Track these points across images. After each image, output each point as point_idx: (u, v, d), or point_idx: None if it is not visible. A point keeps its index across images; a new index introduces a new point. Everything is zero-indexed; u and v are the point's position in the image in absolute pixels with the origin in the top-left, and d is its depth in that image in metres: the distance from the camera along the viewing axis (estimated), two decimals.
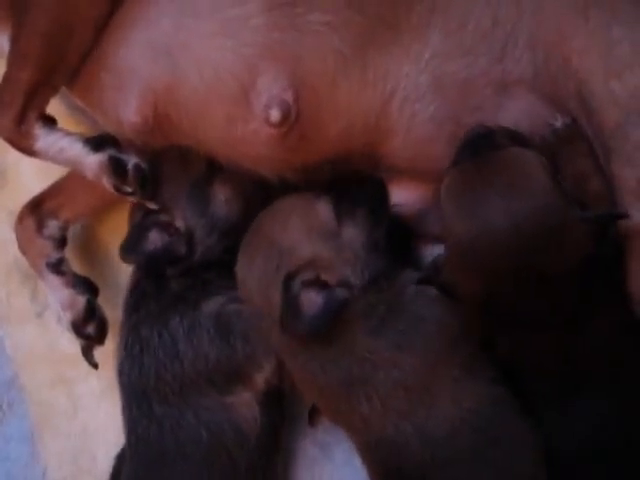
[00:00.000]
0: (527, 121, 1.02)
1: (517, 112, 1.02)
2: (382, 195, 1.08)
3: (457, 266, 0.95)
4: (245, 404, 1.07)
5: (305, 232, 1.02)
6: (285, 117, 1.01)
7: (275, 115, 1.01)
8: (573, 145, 1.00)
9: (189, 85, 1.02)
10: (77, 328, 1.16)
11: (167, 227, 1.10)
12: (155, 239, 1.09)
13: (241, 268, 1.05)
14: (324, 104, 1.03)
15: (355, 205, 1.05)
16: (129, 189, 1.05)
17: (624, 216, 0.93)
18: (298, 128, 1.03)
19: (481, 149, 0.96)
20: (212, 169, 1.11)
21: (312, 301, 0.98)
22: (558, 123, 1.00)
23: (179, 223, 1.10)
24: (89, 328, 1.16)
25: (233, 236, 1.09)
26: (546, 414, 0.99)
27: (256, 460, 1.08)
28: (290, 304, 0.97)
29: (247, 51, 1.00)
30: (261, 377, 1.06)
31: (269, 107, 1.01)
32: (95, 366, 1.18)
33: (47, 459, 1.26)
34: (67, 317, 1.16)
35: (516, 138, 0.99)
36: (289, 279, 0.98)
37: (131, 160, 1.05)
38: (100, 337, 1.17)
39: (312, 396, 1.06)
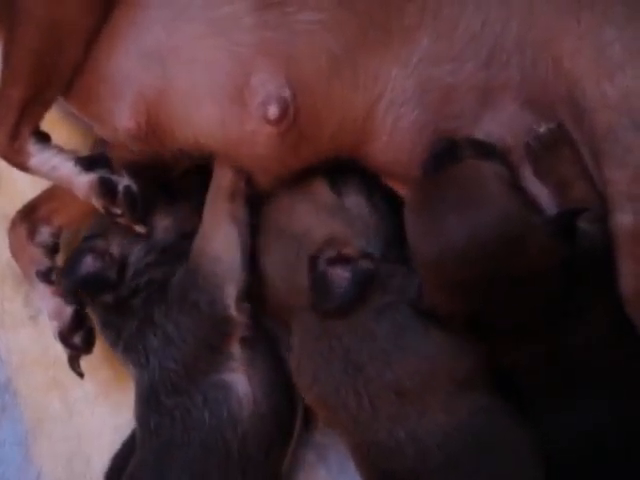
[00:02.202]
0: (509, 128, 1.02)
1: (499, 119, 1.02)
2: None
3: (431, 285, 0.95)
4: (240, 382, 1.07)
5: (313, 214, 1.05)
6: (283, 113, 1.01)
7: (273, 111, 1.00)
8: (557, 151, 0.99)
9: (180, 88, 1.02)
10: (64, 338, 1.15)
11: (102, 253, 1.11)
12: (88, 265, 1.10)
13: (264, 267, 1.07)
14: (320, 103, 1.02)
15: (345, 175, 1.08)
16: (118, 211, 1.06)
17: (582, 211, 0.93)
18: (297, 126, 1.02)
19: (442, 164, 0.97)
20: (158, 199, 1.14)
21: (340, 276, 0.99)
22: (542, 129, 0.99)
23: (114, 249, 1.11)
24: (76, 338, 1.15)
25: (170, 254, 1.12)
26: (546, 415, 0.99)
27: (252, 450, 1.07)
28: (320, 283, 0.99)
29: (239, 50, 1.00)
30: (234, 312, 1.07)
31: (266, 104, 1.00)
32: (81, 375, 1.18)
33: (41, 463, 1.25)
34: (54, 326, 1.16)
35: (481, 148, 0.99)
36: (313, 261, 1.00)
37: (122, 182, 1.05)
38: (87, 347, 1.16)
39: (307, 384, 1.06)
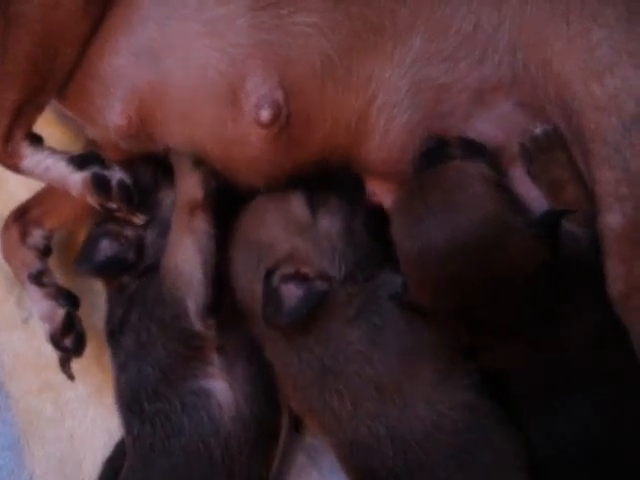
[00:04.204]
0: (501, 128, 1.02)
1: (491, 119, 1.03)
2: (355, 184, 1.10)
3: (414, 281, 0.96)
4: (221, 390, 1.07)
5: (282, 227, 1.05)
6: (275, 117, 1.01)
7: (265, 115, 1.01)
8: (551, 153, 1.00)
9: (174, 86, 1.03)
10: (55, 340, 1.15)
11: (117, 236, 1.11)
12: (105, 249, 1.10)
13: (231, 268, 1.07)
14: (312, 105, 1.03)
15: (327, 194, 1.07)
16: (114, 205, 1.06)
17: (566, 213, 0.93)
18: (288, 129, 1.03)
19: (431, 162, 0.98)
20: (158, 175, 1.13)
21: (292, 294, 1.00)
22: (538, 130, 1.00)
23: (128, 231, 1.11)
24: (67, 341, 1.16)
25: None
26: (531, 417, 0.98)
27: (235, 454, 1.06)
28: (271, 297, 1.00)
29: (235, 51, 1.00)
30: (200, 327, 1.05)
31: (259, 107, 1.01)
32: (71, 378, 1.18)
33: (33, 466, 1.25)
34: (46, 328, 1.16)
35: (471, 147, 0.99)
36: (269, 274, 1.01)
37: (115, 176, 1.06)
38: (78, 350, 1.17)
39: (289, 391, 1.06)
